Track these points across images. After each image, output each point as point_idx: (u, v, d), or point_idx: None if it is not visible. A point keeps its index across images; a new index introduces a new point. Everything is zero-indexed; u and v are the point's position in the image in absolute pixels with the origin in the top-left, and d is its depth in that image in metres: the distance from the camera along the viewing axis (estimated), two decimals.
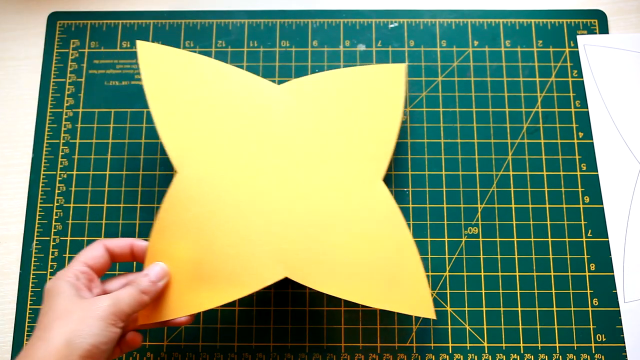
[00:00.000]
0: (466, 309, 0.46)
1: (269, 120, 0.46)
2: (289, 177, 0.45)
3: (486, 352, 0.45)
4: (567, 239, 0.47)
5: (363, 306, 0.46)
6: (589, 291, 0.46)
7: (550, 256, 0.47)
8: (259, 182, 0.44)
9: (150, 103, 0.45)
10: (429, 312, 0.42)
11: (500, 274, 0.47)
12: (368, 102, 0.47)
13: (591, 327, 0.45)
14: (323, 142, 0.46)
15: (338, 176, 0.45)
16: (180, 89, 0.46)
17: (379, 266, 0.43)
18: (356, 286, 0.43)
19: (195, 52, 0.51)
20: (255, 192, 0.44)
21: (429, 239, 0.48)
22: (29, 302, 0.47)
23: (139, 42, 0.46)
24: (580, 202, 0.48)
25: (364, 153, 0.46)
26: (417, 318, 0.46)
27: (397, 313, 0.46)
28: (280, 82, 0.51)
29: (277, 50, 0.52)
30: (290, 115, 0.46)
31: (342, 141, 0.46)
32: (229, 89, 0.46)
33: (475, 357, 0.45)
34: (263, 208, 0.44)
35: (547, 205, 0.48)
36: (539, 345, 0.45)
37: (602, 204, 0.48)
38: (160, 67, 0.46)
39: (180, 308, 0.41)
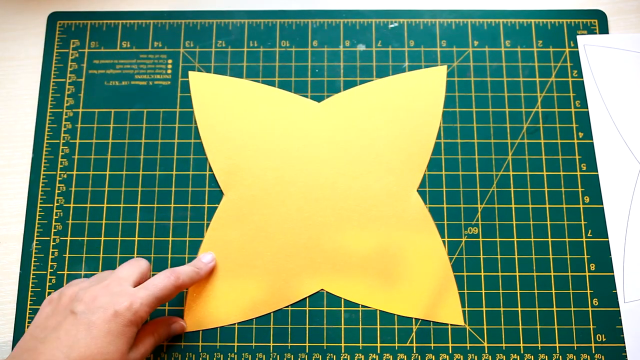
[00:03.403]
0: (466, 309, 0.46)
1: (310, 138, 0.49)
2: (327, 192, 0.48)
3: (486, 352, 0.45)
4: (567, 239, 0.47)
5: (363, 306, 0.46)
6: (589, 291, 0.46)
7: (550, 256, 0.47)
8: (299, 198, 0.48)
9: (201, 131, 0.49)
10: (459, 320, 0.45)
11: (500, 274, 0.47)
12: (407, 112, 0.50)
13: (591, 327, 0.45)
14: (363, 156, 0.49)
15: (376, 188, 0.48)
16: (226, 115, 0.50)
17: (412, 277, 0.46)
18: (390, 297, 0.46)
19: (195, 52, 0.52)
20: (295, 208, 0.48)
21: None
22: (29, 302, 0.47)
23: (191, 73, 0.50)
24: (580, 202, 0.48)
25: (402, 164, 0.49)
26: (417, 318, 0.46)
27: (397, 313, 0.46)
28: (280, 82, 0.51)
29: (277, 50, 0.52)
30: (331, 132, 0.49)
31: (382, 153, 0.49)
32: (272, 110, 0.50)
33: (475, 357, 0.45)
34: (302, 223, 0.47)
35: (547, 205, 0.48)
36: (539, 345, 0.45)
37: (602, 204, 0.48)
38: (209, 96, 0.50)
39: (225, 318, 0.46)
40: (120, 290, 0.40)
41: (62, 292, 0.41)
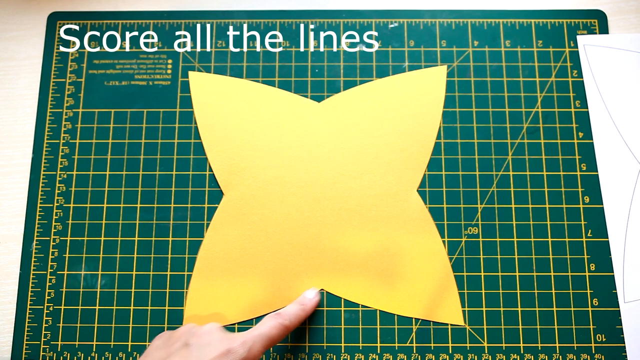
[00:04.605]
0: (466, 309, 0.46)
1: (310, 138, 0.49)
2: (327, 192, 0.48)
3: (486, 352, 0.45)
4: (567, 239, 0.47)
5: (363, 306, 0.46)
6: (589, 291, 0.46)
7: (550, 256, 0.47)
8: (299, 198, 0.48)
9: (201, 131, 0.49)
10: (459, 320, 0.45)
11: (500, 274, 0.47)
12: (407, 112, 0.50)
13: (591, 327, 0.46)
14: (363, 155, 0.49)
15: (376, 188, 0.48)
16: (226, 115, 0.50)
17: (412, 277, 0.46)
18: (390, 297, 0.46)
19: (195, 52, 0.52)
20: (295, 208, 0.48)
21: None
22: (29, 302, 0.47)
23: (191, 73, 0.51)
24: (580, 202, 0.48)
25: (402, 164, 0.49)
26: (417, 318, 0.46)
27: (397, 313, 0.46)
28: (280, 82, 0.51)
29: (277, 50, 0.52)
30: (331, 132, 0.49)
31: (382, 153, 0.49)
32: (272, 110, 0.50)
33: (475, 357, 0.45)
34: (302, 223, 0.47)
35: (547, 205, 0.48)
36: (539, 345, 0.45)
37: (602, 204, 0.48)
38: (209, 96, 0.50)
39: (225, 318, 0.46)
40: (232, 333, 0.40)
41: (173, 330, 0.41)
